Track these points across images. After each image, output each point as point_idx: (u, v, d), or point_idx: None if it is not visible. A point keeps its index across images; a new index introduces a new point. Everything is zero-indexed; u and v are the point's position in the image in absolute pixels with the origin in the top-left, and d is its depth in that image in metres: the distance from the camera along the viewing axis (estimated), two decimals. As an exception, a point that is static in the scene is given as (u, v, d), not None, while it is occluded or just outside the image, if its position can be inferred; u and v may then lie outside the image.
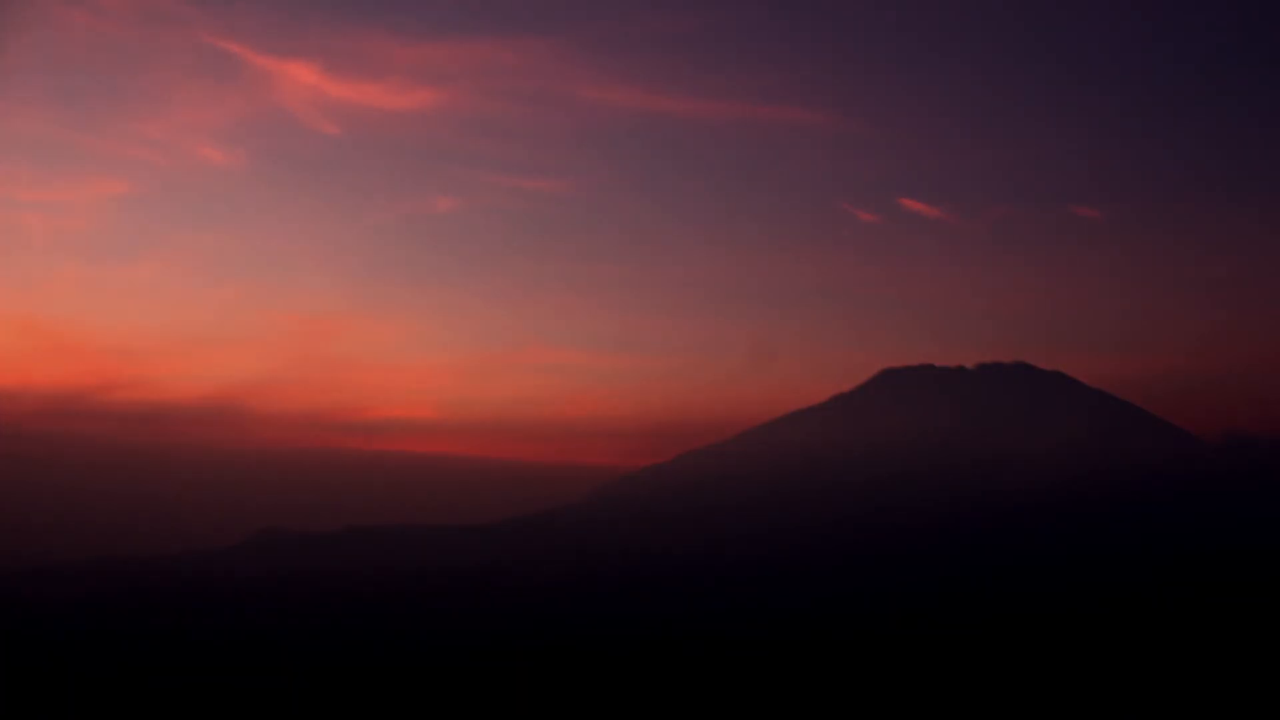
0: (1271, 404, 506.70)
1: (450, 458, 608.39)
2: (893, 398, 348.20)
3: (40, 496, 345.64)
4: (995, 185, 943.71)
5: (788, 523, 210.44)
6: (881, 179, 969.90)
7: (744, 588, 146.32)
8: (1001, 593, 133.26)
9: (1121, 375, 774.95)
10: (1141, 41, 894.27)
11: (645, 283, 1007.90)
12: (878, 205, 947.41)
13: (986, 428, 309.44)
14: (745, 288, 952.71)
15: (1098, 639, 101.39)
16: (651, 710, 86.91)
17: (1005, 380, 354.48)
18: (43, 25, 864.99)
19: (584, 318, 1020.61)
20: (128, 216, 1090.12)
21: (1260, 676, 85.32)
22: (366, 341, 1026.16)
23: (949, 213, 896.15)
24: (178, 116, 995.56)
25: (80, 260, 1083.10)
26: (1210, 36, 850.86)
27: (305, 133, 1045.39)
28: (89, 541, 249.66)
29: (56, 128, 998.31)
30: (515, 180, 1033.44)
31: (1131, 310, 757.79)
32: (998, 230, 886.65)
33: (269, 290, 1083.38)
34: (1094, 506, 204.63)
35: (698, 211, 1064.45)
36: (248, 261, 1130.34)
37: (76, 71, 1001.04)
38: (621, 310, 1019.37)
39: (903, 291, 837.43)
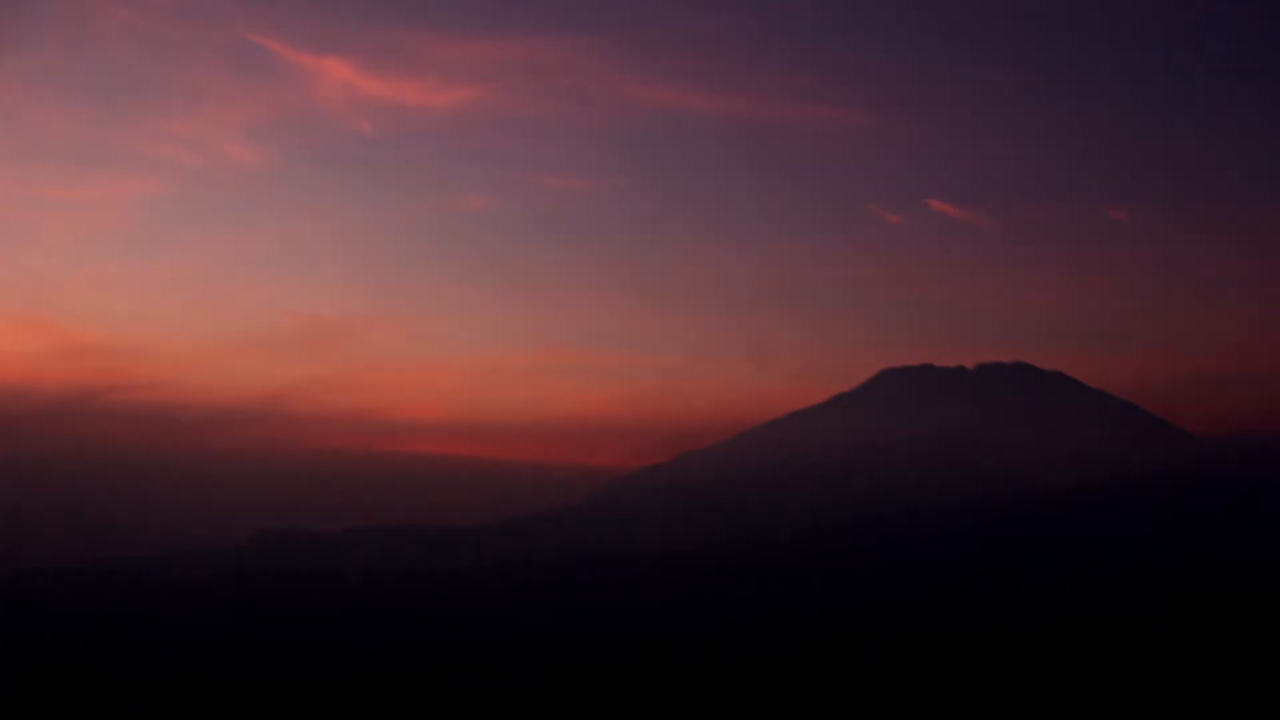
0: (1272, 404, 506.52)
1: (453, 458, 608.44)
2: (893, 398, 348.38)
3: (43, 496, 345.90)
4: (1026, 186, 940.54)
5: (788, 523, 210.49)
6: (911, 180, 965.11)
7: (744, 588, 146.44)
8: (1002, 593, 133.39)
9: (1121, 375, 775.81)
10: (1169, 43, 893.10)
11: (661, 283, 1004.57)
12: (905, 206, 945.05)
13: (986, 428, 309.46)
14: (754, 288, 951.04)
15: (1098, 639, 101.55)
16: (653, 711, 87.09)
17: (1005, 380, 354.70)
18: (84, 20, 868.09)
19: (599, 318, 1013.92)
20: (153, 216, 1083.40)
21: (1261, 676, 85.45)
22: (387, 343, 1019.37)
23: (976, 214, 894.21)
24: (211, 114, 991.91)
25: (102, 260, 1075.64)
26: (1232, 39, 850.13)
27: (338, 131, 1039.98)
28: (90, 541, 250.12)
29: (88, 126, 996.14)
30: (546, 179, 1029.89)
31: (1133, 310, 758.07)
32: (1021, 232, 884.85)
33: (291, 291, 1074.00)
34: (1094, 507, 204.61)
35: (724, 212, 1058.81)
36: (271, 262, 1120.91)
37: (112, 68, 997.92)
38: (633, 311, 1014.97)
39: (909, 292, 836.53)
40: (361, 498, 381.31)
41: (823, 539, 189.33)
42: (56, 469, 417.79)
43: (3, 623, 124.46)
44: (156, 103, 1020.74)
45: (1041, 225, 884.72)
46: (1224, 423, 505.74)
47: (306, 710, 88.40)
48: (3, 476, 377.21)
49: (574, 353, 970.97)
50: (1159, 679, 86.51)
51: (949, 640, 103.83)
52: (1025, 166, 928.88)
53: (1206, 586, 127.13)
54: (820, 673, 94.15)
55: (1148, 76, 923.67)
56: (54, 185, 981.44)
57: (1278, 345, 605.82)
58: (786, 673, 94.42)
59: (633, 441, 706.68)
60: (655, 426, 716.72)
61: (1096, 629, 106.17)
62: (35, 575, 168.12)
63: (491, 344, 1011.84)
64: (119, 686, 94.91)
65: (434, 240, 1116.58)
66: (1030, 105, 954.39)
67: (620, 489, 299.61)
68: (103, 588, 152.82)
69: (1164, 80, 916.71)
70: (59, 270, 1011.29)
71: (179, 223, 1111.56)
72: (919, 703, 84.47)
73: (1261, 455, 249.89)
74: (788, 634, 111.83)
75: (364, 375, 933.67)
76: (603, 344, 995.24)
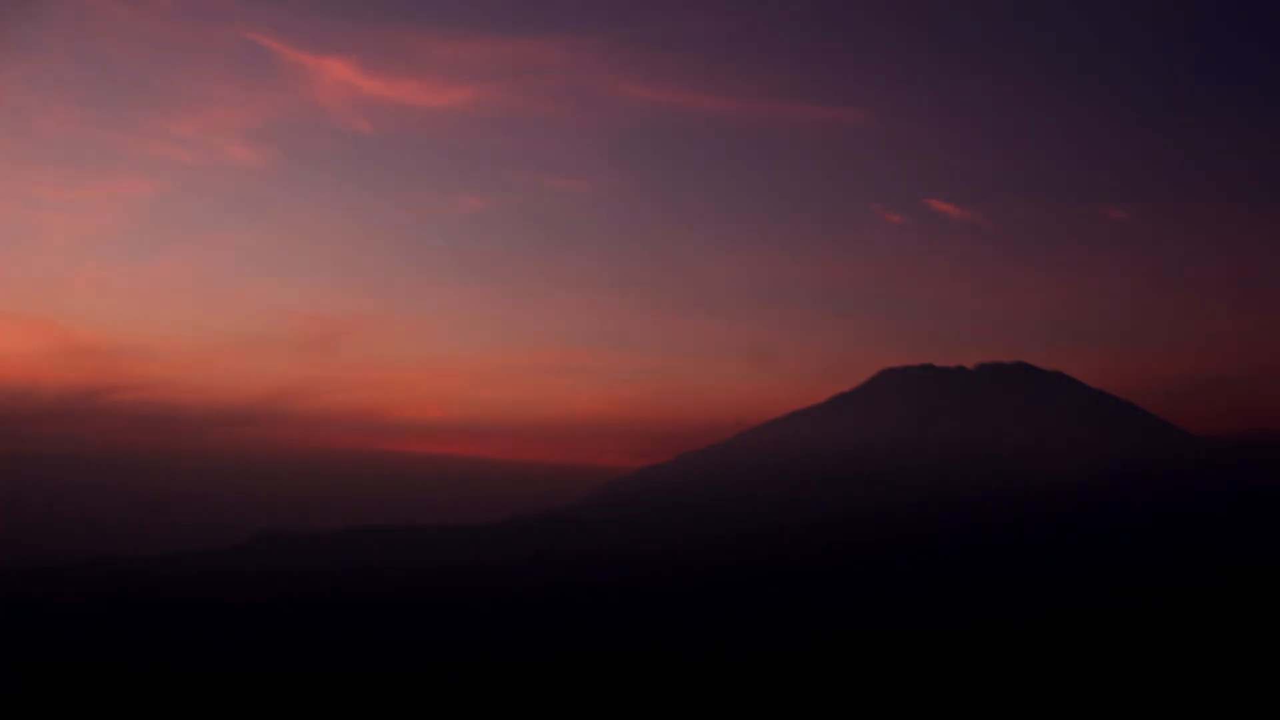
0: (1272, 404, 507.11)
1: (453, 459, 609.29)
2: (893, 398, 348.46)
3: (43, 496, 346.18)
4: (1026, 186, 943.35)
5: (788, 522, 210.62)
6: (912, 180, 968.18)
7: (744, 588, 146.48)
8: (1002, 593, 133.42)
9: (1121, 375, 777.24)
10: (1169, 44, 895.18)
11: (661, 283, 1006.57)
12: (906, 206, 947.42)
13: (986, 428, 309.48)
14: (754, 288, 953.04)
15: (1098, 639, 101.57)
16: (653, 711, 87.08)
17: (1005, 380, 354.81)
18: (84, 20, 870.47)
19: (598, 318, 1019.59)
20: (153, 216, 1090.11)
21: (1261, 676, 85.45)
22: (387, 343, 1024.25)
23: (976, 214, 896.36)
24: (210, 114, 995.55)
25: (101, 261, 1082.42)
26: (1231, 39, 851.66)
27: (337, 131, 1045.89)
28: (90, 541, 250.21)
29: (87, 126, 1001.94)
30: (546, 179, 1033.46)
31: (1133, 310, 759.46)
32: (1021, 232, 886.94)
33: (291, 291, 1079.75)
34: (1094, 506, 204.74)
35: (724, 212, 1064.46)
36: (270, 262, 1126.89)
37: (112, 68, 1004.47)
38: (632, 311, 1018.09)
39: (909, 292, 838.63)
40: (361, 498, 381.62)
41: (822, 538, 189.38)
42: (56, 469, 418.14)
43: (3, 623, 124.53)
44: (157, 103, 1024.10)
45: (1042, 225, 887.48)
46: (1224, 423, 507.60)
47: (306, 710, 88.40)
48: (3, 476, 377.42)
49: (574, 353, 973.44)
50: (1159, 679, 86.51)
51: (949, 640, 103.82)
52: (1026, 167, 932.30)
53: (1206, 586, 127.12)
54: (820, 673, 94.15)
55: (1147, 77, 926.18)
56: (54, 186, 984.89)
57: (1278, 345, 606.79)
58: (786, 673, 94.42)
59: (633, 441, 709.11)
60: (655, 426, 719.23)
61: (1096, 629, 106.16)
62: (35, 575, 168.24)
63: (491, 344, 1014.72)
64: (119, 686, 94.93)
65: (434, 240, 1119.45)
66: (1031, 106, 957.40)
67: (620, 489, 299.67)
68: (103, 588, 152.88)
69: (1164, 81, 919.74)
70: (59, 270, 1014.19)
71: (179, 223, 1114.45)
72: (919, 703, 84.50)
73: (1261, 455, 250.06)
74: (787, 634, 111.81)
75: (364, 375, 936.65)
76: (603, 344, 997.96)
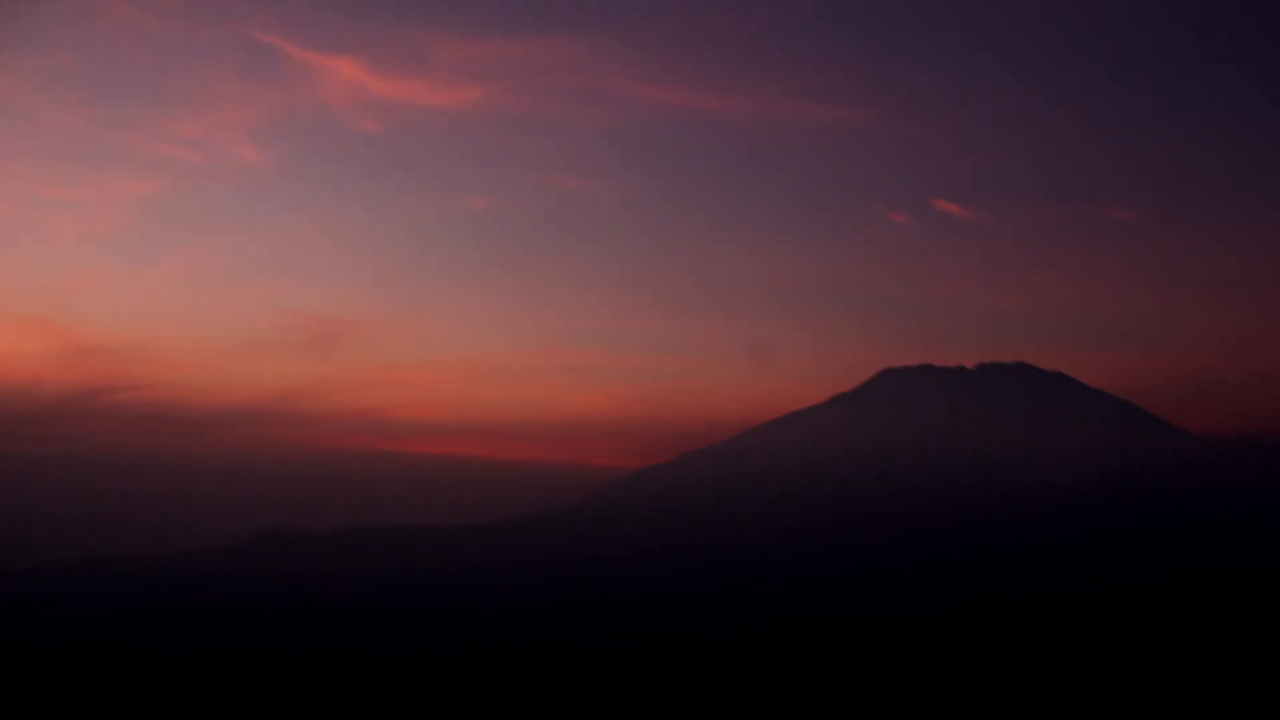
0: (1272, 404, 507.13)
1: (453, 458, 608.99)
2: (893, 398, 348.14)
3: (43, 496, 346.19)
4: (1029, 186, 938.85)
5: (787, 523, 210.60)
6: (918, 180, 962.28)
7: (744, 588, 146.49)
8: (1001, 592, 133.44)
9: (1121, 375, 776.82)
10: (1171, 44, 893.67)
11: (662, 283, 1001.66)
12: (911, 206, 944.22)
13: (986, 428, 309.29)
14: (754, 288, 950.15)
15: (1098, 639, 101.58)
16: (653, 711, 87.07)
17: (1005, 380, 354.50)
18: (88, 19, 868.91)
19: (599, 318, 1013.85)
20: (156, 216, 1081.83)
21: (1261, 676, 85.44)
22: (388, 343, 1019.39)
23: (980, 214, 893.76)
24: (216, 114, 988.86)
25: (104, 261, 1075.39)
26: (1232, 39, 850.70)
27: (344, 131, 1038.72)
28: (90, 541, 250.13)
29: (91, 125, 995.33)
30: (549, 179, 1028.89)
31: (1134, 310, 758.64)
32: (1023, 232, 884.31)
33: (293, 291, 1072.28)
34: (1094, 506, 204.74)
35: (726, 212, 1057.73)
36: (273, 262, 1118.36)
37: (117, 68, 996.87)
38: (633, 311, 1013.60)
39: (910, 292, 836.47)
40: (361, 498, 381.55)
41: (822, 539, 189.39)
42: (56, 469, 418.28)
43: (3, 623, 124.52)
44: (161, 102, 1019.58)
45: (1044, 225, 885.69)
46: (1224, 423, 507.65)
47: (306, 710, 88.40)
48: (3, 476, 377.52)
49: (574, 353, 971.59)
50: (1159, 679, 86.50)
51: (948, 640, 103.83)
52: (1030, 167, 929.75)
53: (1206, 586, 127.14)
54: (820, 673, 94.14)
55: (1150, 77, 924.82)
56: (57, 185, 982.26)
57: (1278, 345, 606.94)
58: (786, 673, 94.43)
59: (633, 441, 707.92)
60: (655, 426, 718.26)
61: (1096, 629, 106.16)
62: (35, 575, 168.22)
63: (491, 344, 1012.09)
64: (119, 686, 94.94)
65: (437, 240, 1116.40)
66: (1035, 106, 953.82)
67: (620, 489, 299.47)
68: (103, 588, 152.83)
69: (1166, 81, 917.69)
70: (61, 270, 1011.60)
71: (182, 223, 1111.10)
72: (919, 703, 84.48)
73: (1261, 455, 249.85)
74: (787, 634, 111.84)
75: (365, 375, 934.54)
76: (603, 344, 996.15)
